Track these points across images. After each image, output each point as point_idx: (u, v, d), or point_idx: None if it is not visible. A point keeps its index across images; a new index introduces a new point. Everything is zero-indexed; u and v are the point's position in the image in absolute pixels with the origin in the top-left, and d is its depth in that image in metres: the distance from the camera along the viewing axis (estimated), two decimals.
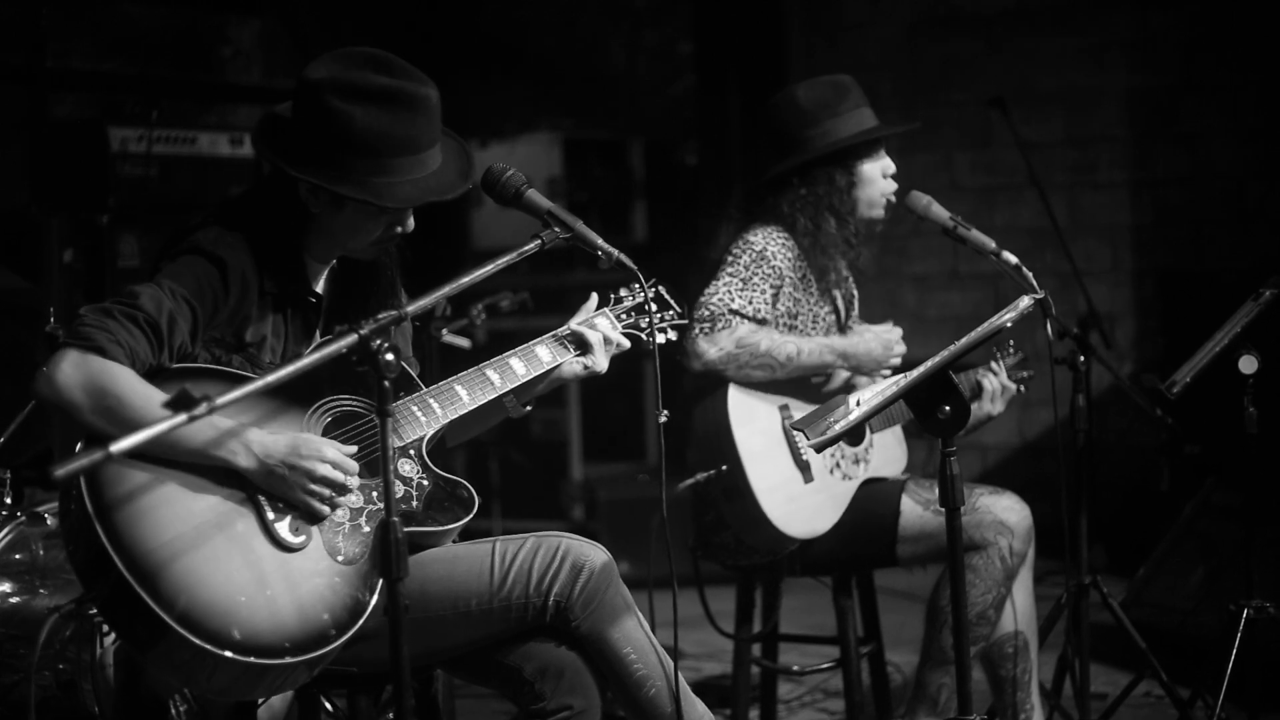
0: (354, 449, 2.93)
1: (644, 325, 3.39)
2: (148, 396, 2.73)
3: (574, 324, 3.31)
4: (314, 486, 2.85)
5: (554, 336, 3.29)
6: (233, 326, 2.97)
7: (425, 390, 3.10)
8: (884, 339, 4.12)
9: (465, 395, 3.12)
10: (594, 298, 3.41)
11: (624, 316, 3.40)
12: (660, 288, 3.49)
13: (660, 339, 3.41)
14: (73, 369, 2.72)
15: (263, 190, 3.10)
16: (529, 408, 3.32)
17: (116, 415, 2.70)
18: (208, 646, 2.66)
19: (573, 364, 3.29)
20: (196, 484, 2.80)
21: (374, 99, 2.92)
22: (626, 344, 3.36)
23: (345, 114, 2.90)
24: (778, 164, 4.09)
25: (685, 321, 3.58)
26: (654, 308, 3.42)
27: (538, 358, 3.25)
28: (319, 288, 3.15)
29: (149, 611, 2.65)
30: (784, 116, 4.11)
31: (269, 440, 2.83)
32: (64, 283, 5.66)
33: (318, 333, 3.13)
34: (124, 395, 2.72)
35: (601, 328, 3.32)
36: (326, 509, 2.88)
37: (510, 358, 3.22)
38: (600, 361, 3.31)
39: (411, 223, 3.08)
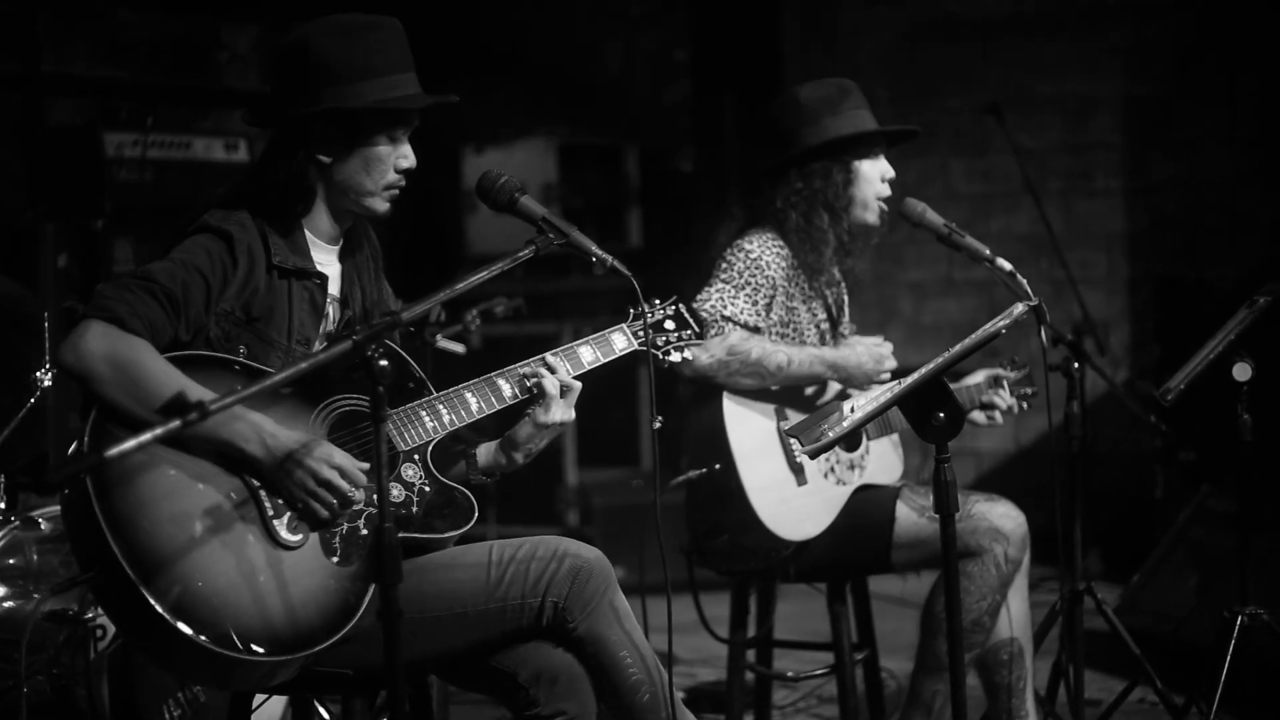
0: (366, 466, 2.92)
1: (660, 342, 3.35)
2: (167, 375, 2.78)
3: (549, 356, 3.20)
4: (316, 488, 2.84)
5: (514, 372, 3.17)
6: (241, 299, 2.99)
7: (435, 395, 3.10)
8: (874, 352, 4.12)
9: (474, 403, 3.11)
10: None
11: (640, 333, 3.32)
12: (680, 306, 3.42)
13: (676, 357, 3.37)
14: (96, 340, 2.79)
15: (258, 172, 3.13)
16: (487, 478, 3.25)
17: (137, 392, 2.76)
18: (198, 638, 2.67)
19: (526, 423, 3.18)
20: (201, 475, 2.81)
21: (352, 30, 3.06)
22: (577, 387, 3.19)
23: (335, 46, 3.03)
24: (774, 158, 4.10)
25: (700, 343, 3.49)
26: (672, 325, 3.38)
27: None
28: (331, 271, 3.16)
29: (142, 600, 2.66)
30: (784, 114, 4.12)
31: (281, 433, 2.85)
32: (59, 288, 5.65)
33: (327, 312, 3.14)
34: (146, 372, 2.77)
35: (559, 373, 3.18)
36: (325, 513, 2.87)
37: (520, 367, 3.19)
38: (556, 413, 3.16)
39: (413, 158, 3.14)
